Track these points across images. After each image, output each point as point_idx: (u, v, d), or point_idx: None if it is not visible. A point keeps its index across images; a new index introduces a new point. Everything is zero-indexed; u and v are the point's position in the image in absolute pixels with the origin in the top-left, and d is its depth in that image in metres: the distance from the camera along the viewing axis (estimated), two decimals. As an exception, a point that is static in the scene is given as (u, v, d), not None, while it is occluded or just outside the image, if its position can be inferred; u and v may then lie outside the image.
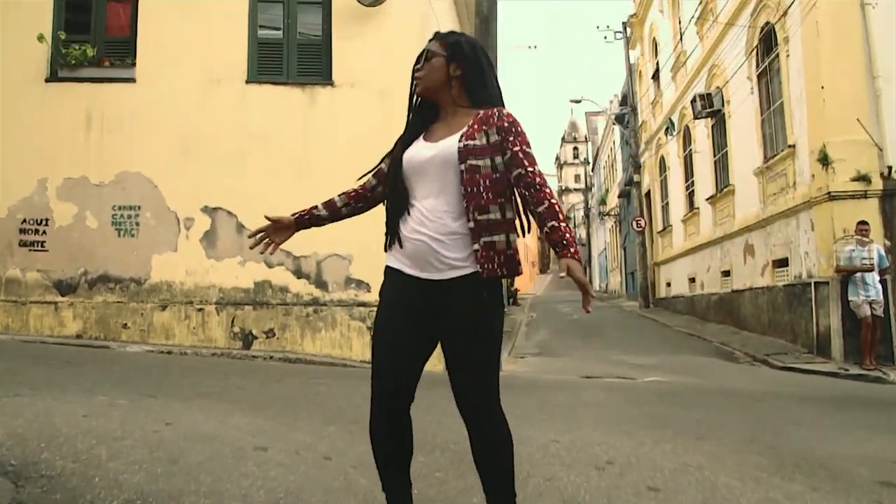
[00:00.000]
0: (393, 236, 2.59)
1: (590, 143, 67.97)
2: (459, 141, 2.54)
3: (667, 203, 25.44)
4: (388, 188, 2.68)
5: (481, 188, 2.50)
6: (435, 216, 2.52)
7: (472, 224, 2.48)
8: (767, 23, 14.19)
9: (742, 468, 4.20)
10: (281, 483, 3.36)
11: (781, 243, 13.95)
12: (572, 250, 2.42)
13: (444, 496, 3.19)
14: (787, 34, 13.12)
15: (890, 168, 11.57)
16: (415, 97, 2.74)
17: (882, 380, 10.15)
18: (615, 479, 3.80)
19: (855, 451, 4.84)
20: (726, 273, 17.93)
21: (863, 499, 3.71)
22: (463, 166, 2.51)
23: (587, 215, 56.28)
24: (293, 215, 2.87)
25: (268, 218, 2.90)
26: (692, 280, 21.55)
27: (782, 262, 14.07)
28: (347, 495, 3.30)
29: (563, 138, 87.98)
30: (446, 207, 2.53)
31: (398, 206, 2.60)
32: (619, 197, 40.45)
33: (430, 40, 2.72)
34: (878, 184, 11.61)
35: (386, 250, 2.65)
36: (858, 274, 10.84)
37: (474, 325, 2.49)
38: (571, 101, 34.05)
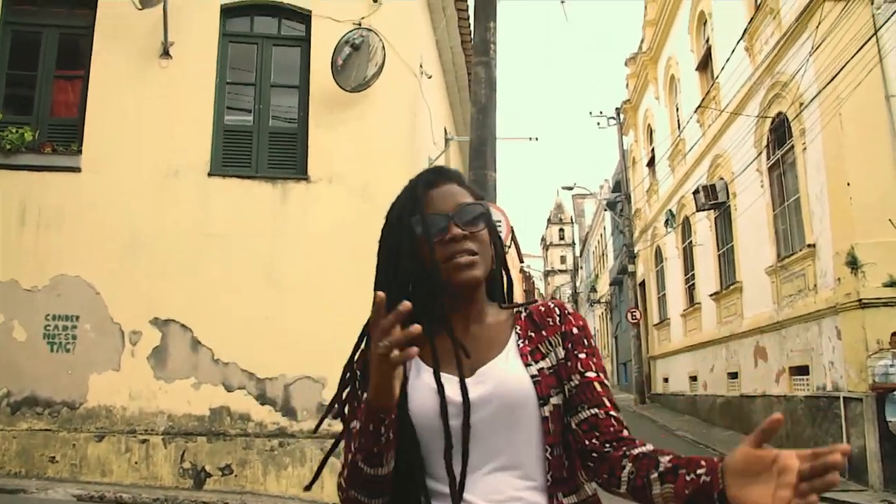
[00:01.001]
0: None
1: (576, 225, 67.81)
2: (528, 365, 1.45)
3: (664, 295, 24.53)
4: (411, 454, 1.45)
5: (559, 435, 1.46)
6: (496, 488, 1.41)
7: (550, 484, 1.44)
8: (780, 113, 13.32)
9: None
10: None
11: (800, 349, 12.84)
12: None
13: None
14: (804, 126, 12.23)
15: (926, 272, 10.49)
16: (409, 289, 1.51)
17: (930, 512, 9.03)
18: None
19: None
20: (733, 375, 16.86)
21: None
22: (547, 409, 1.44)
23: (575, 300, 55.34)
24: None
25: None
26: (693, 378, 20.52)
27: (801, 370, 12.97)
28: None
29: (548, 219, 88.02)
30: (526, 484, 1.43)
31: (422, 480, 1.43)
32: (611, 285, 39.64)
33: (446, 181, 1.63)
34: (913, 290, 10.53)
35: None
36: (896, 390, 9.78)
37: None
38: (563, 187, 33.21)
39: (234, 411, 8.07)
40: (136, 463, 7.85)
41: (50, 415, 7.98)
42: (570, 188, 32.87)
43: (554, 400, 1.45)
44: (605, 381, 1.46)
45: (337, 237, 8.37)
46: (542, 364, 1.47)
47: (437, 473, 1.41)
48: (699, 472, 1.25)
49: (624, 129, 28.48)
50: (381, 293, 1.26)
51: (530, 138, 14.99)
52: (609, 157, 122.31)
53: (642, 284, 27.64)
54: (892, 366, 9.88)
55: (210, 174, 8.52)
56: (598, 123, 28.20)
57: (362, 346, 1.54)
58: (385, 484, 1.40)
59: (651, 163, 25.09)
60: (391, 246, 1.58)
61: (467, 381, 1.41)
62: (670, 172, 22.12)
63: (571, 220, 72.63)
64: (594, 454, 1.41)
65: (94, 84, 8.64)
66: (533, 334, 1.51)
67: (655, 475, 1.31)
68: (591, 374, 1.45)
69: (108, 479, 7.73)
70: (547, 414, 1.43)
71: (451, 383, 1.41)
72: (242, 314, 8.12)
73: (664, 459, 1.32)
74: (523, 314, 1.54)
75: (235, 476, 7.86)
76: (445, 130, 11.76)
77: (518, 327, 1.52)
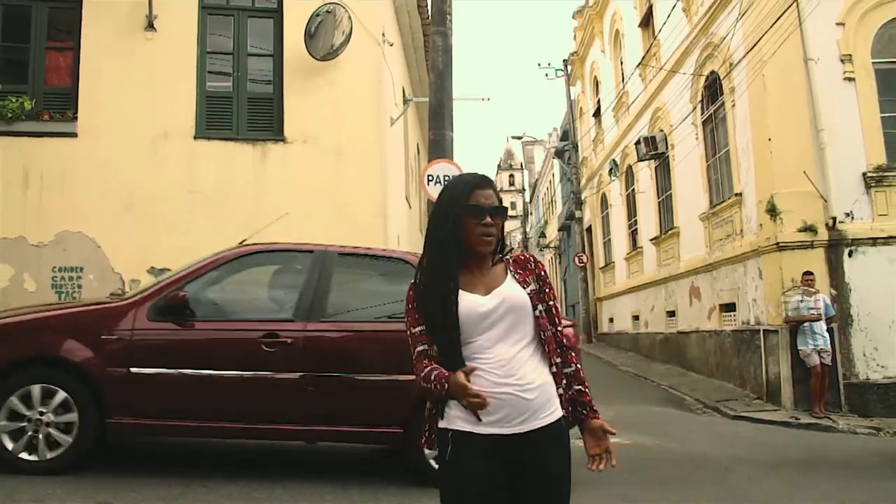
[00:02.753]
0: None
1: (526, 172, 68.66)
2: (524, 287, 2.49)
3: (609, 240, 25.78)
4: (453, 345, 2.41)
5: (550, 334, 2.49)
6: (519, 365, 2.40)
7: (554, 369, 2.46)
8: (713, 72, 14.51)
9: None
10: None
11: (728, 288, 14.21)
12: (598, 413, 2.46)
13: None
14: (734, 85, 13.45)
15: (834, 219, 11.91)
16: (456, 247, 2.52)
17: (832, 428, 10.53)
18: None
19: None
20: (671, 313, 18.20)
21: None
22: (536, 312, 2.47)
23: (525, 245, 56.70)
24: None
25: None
26: (636, 318, 21.83)
27: (729, 307, 14.33)
28: None
29: (498, 166, 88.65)
30: (528, 355, 2.44)
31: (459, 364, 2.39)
32: (560, 230, 40.87)
33: (486, 186, 2.56)
34: (823, 234, 11.96)
35: (442, 417, 2.43)
36: (807, 323, 11.18)
37: (558, 474, 2.42)
38: (513, 136, 34.26)
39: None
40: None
41: (61, 356, 8.93)
42: (520, 137, 33.99)
43: (539, 308, 2.51)
44: (557, 306, 2.58)
45: (312, 192, 9.39)
46: (529, 288, 2.51)
47: (479, 346, 2.43)
48: (579, 410, 2.45)
49: (571, 81, 29.33)
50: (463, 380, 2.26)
51: (483, 98, 16.00)
52: (558, 108, 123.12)
53: (589, 230, 28.82)
54: (801, 301, 11.23)
55: (196, 137, 9.45)
56: (547, 75, 29.18)
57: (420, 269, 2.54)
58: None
59: (597, 113, 26.11)
60: (444, 215, 2.52)
61: (486, 296, 2.45)
62: (615, 123, 23.20)
63: (521, 166, 73.39)
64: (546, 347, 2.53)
65: (85, 55, 9.43)
66: (521, 272, 2.56)
67: (559, 389, 2.46)
68: (551, 303, 2.55)
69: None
70: (538, 314, 2.49)
71: (484, 299, 2.46)
72: (230, 263, 9.13)
73: (573, 388, 2.48)
74: (511, 260, 2.61)
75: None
76: (404, 91, 12.73)
77: (511, 269, 2.56)
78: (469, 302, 2.42)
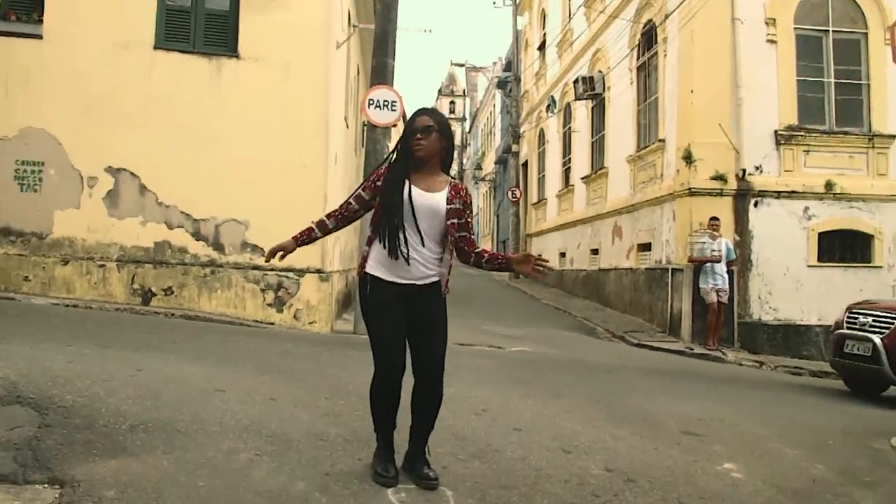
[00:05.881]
0: (395, 252, 3.85)
1: (468, 99, 69.49)
2: (448, 203, 3.93)
3: (543, 176, 27.42)
4: (389, 216, 3.85)
5: (454, 237, 3.95)
6: (425, 245, 3.90)
7: (447, 256, 3.96)
8: (650, 20, 16.09)
9: (585, 418, 6.00)
10: (245, 415, 4.78)
11: (647, 229, 16.03)
12: (511, 255, 4.06)
13: (366, 428, 4.56)
14: (667, 35, 15.07)
15: (744, 171, 13.78)
16: (407, 155, 3.98)
17: (721, 359, 12.46)
18: (489, 422, 5.46)
19: (673, 410, 6.74)
20: (595, 251, 19.98)
21: (667, 440, 5.56)
22: (448, 221, 3.93)
23: (461, 177, 58.18)
24: (294, 238, 4.09)
25: (274, 249, 4.06)
26: (563, 255, 23.58)
27: (646, 247, 16.18)
28: (294, 425, 4.75)
29: (440, 90, 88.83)
30: (431, 241, 3.92)
31: (398, 231, 3.86)
32: (496, 163, 42.36)
33: (423, 114, 4.01)
34: (732, 184, 13.84)
35: (366, 260, 4.01)
36: (708, 264, 12.96)
37: (434, 310, 3.97)
38: (455, 63, 35.32)
39: (174, 245, 10.52)
40: (95, 283, 10.29)
41: (22, 242, 10.22)
42: (462, 65, 35.05)
43: (452, 221, 3.94)
44: (472, 221, 4.14)
45: (262, 106, 10.73)
46: (452, 205, 3.93)
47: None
48: (503, 258, 4.03)
49: (519, 10, 30.52)
50: None
51: (425, 30, 17.16)
52: (503, 39, 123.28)
53: (525, 165, 30.44)
54: (705, 243, 13.04)
55: (155, 47, 10.66)
56: (494, 2, 30.31)
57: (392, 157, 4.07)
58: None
59: (542, 47, 27.38)
60: (403, 135, 4.02)
61: (425, 194, 3.91)
62: (557, 59, 24.68)
63: (464, 92, 74.06)
64: (463, 248, 4.03)
65: (51, -40, 10.52)
66: (453, 193, 4.00)
67: (486, 257, 4.03)
68: (469, 220, 4.05)
69: (73, 295, 10.16)
70: (448, 224, 3.95)
71: (423, 195, 3.93)
72: (182, 165, 10.44)
73: (489, 256, 4.03)
74: (452, 184, 4.06)
75: (176, 296, 10.43)
76: (349, 16, 13.96)
77: (449, 188, 4.01)
78: (414, 192, 3.92)
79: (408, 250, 3.86)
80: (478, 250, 4.02)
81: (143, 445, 4.02)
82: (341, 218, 4.15)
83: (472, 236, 4.07)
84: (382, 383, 3.93)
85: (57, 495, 3.34)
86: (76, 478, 3.51)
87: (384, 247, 3.90)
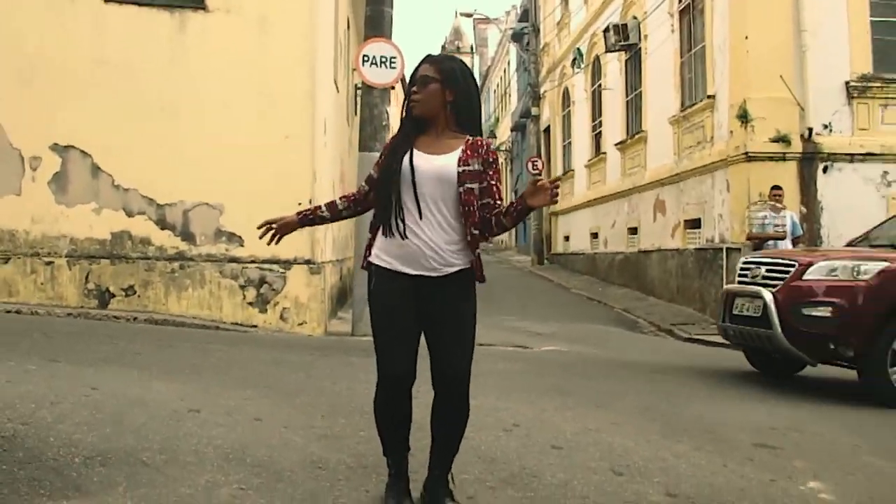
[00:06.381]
0: (390, 233, 3.66)
1: (477, 56, 69.12)
2: (459, 165, 3.70)
3: (569, 143, 27.31)
4: (386, 190, 3.70)
5: (475, 207, 3.72)
6: (433, 223, 3.68)
7: (469, 237, 3.71)
8: (694, -47, 15.84)
9: (636, 432, 5.76)
10: (225, 441, 4.58)
11: (695, 202, 15.84)
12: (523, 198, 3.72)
13: (373, 452, 4.40)
14: (714, -29, 14.82)
15: (811, 130, 13.57)
16: (407, 116, 3.81)
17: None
18: (522, 440, 5.24)
19: (740, 420, 6.51)
20: (633, 231, 19.87)
21: (738, 457, 5.31)
22: (462, 189, 3.69)
23: (472, 147, 57.80)
24: (297, 214, 3.91)
25: (271, 221, 3.89)
26: (594, 235, 23.50)
27: (695, 223, 16.00)
28: (286, 450, 4.53)
29: (443, 47, 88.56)
30: (441, 218, 3.70)
31: (396, 208, 3.67)
32: (513, 130, 42.08)
33: (423, 63, 3.79)
34: (797, 146, 13.65)
35: (370, 249, 3.79)
36: (770, 241, 12.63)
37: (465, 308, 3.76)
38: (462, 13, 35.00)
39: (136, 235, 10.31)
40: (41, 284, 10.11)
41: (-48, 237, 10.12)
42: (469, 15, 34.71)
43: (468, 185, 3.71)
44: (500, 186, 3.87)
45: (235, 69, 10.52)
46: (467, 167, 3.69)
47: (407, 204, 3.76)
48: (517, 203, 3.77)
49: (537, -52, 30.38)
50: None
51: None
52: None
53: (547, 130, 30.31)
54: (766, 218, 12.81)
55: (106, 0, 10.46)
56: (507, -61, 29.98)
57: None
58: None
59: (564, -9, 27.28)
60: (405, 94, 3.84)
61: (430, 158, 3.68)
62: (583, 4, 24.40)
63: (471, 49, 73.66)
64: (486, 217, 3.81)
65: None
66: (469, 152, 3.76)
67: (504, 214, 3.76)
68: (493, 182, 3.80)
69: (16, 298, 9.99)
70: (461, 191, 3.72)
71: (427, 160, 3.71)
72: (142, 141, 10.22)
73: (508, 208, 3.77)
74: (469, 141, 3.81)
75: (139, 297, 10.23)
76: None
77: (463, 147, 3.77)
78: (416, 159, 3.70)
79: (404, 227, 3.65)
80: (496, 211, 3.77)
81: (102, 482, 3.83)
82: (354, 201, 3.95)
83: (500, 202, 3.81)
84: (385, 395, 3.75)
85: (-5, 551, 3.19)
86: (19, 526, 3.35)
87: (379, 225, 3.72)
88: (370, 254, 3.79)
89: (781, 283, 7.96)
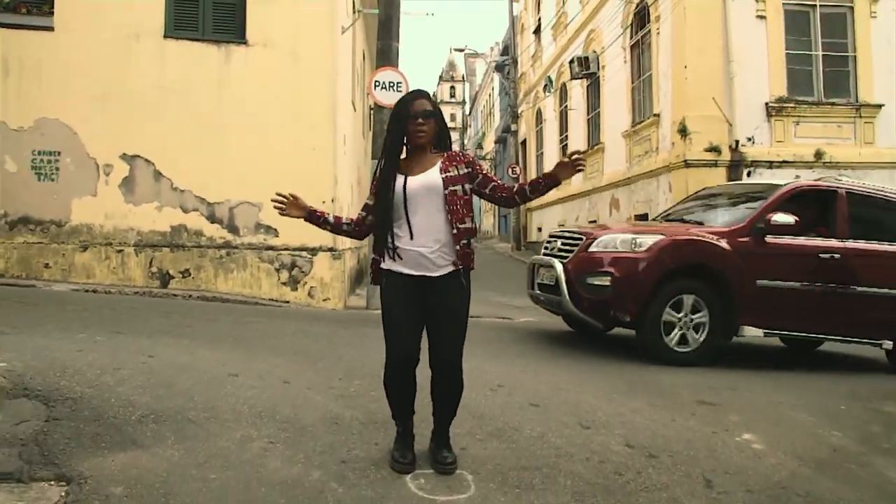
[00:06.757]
0: (392, 250, 3.53)
1: (467, 84, 69.02)
2: (441, 173, 3.54)
3: (541, 153, 26.94)
4: (385, 212, 3.54)
5: (459, 206, 3.54)
6: (427, 231, 3.51)
7: (454, 231, 3.52)
8: (643, 0, 15.58)
9: (601, 391, 5.57)
10: (258, 401, 4.39)
11: (643, 200, 15.60)
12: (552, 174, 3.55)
13: (382, 410, 4.22)
14: (660, 13, 14.58)
15: (737, 142, 13.34)
16: (397, 143, 3.61)
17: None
18: (506, 398, 5.04)
19: (685, 380, 6.29)
20: (593, 223, 19.53)
21: (684, 412, 5.15)
22: (447, 191, 3.52)
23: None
24: (312, 208, 3.70)
25: (291, 195, 3.68)
26: (561, 226, 23.08)
27: (643, 217, 15.68)
28: (309, 409, 4.36)
29: (440, 76, 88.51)
30: (434, 224, 3.52)
31: (391, 226, 3.54)
32: (496, 143, 41.93)
33: (419, 98, 3.61)
34: (726, 155, 13.40)
35: (382, 257, 3.59)
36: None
37: (452, 306, 3.57)
38: (455, 49, 34.81)
39: (190, 228, 10.12)
40: (114, 268, 9.91)
41: (41, 231, 9.83)
42: (462, 50, 34.60)
43: (452, 188, 3.54)
44: (488, 171, 3.70)
45: (271, 92, 10.31)
46: (448, 173, 3.54)
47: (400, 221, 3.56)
48: (543, 178, 3.55)
49: (515, -4, 30.06)
50: None
51: (427, 13, 16.69)
52: (501, 23, 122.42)
53: (524, 143, 29.93)
54: (702, 212, 12.65)
55: (165, 36, 10.19)
56: (491, -11, 29.75)
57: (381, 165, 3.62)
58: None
59: (537, 31, 26.90)
60: (395, 120, 3.61)
61: (416, 178, 3.52)
62: (553, 41, 24.15)
63: (463, 78, 73.56)
64: (503, 196, 3.66)
65: (61, -48, 10.03)
66: (447, 163, 3.60)
67: (528, 188, 3.58)
68: (483, 171, 3.67)
69: (93, 280, 9.80)
70: (446, 193, 3.54)
71: (415, 180, 3.53)
72: (195, 151, 10.04)
73: (534, 184, 3.57)
74: (445, 156, 3.64)
75: (193, 278, 10.05)
76: (354, 1, 13.49)
77: (442, 160, 3.62)
78: (407, 182, 3.52)
79: (394, 246, 3.54)
80: (516, 188, 3.63)
81: (153, 437, 3.65)
82: (356, 224, 3.76)
83: (502, 182, 3.70)
84: (393, 373, 3.58)
85: (63, 493, 3.01)
86: (83, 474, 3.17)
87: (378, 246, 3.61)
88: (380, 261, 3.63)
89: (571, 254, 7.46)
